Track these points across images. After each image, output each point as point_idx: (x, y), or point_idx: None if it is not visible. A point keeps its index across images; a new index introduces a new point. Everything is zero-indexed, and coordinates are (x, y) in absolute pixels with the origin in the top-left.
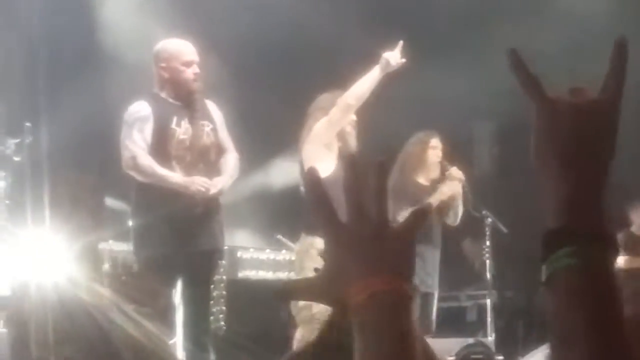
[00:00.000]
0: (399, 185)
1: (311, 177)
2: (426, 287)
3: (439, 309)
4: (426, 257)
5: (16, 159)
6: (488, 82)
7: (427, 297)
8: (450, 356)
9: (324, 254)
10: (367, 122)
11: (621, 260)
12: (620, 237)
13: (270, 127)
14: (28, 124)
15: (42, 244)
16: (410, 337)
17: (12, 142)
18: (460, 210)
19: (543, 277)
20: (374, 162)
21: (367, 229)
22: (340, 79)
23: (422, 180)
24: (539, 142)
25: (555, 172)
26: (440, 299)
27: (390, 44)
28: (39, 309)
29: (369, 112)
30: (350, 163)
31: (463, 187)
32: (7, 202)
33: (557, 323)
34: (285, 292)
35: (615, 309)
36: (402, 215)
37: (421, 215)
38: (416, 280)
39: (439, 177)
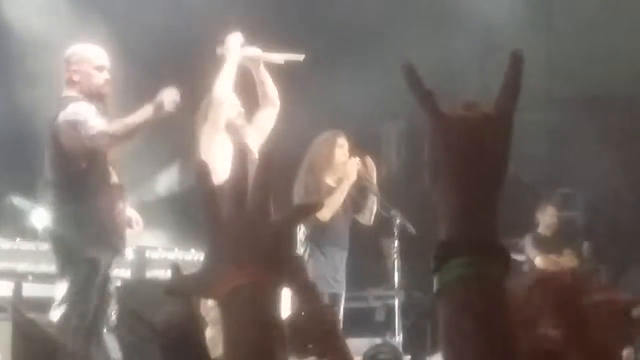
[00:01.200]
0: (309, 186)
1: (200, 171)
2: (333, 287)
3: (347, 309)
4: (333, 258)
5: None
6: (396, 82)
7: (334, 298)
8: (358, 356)
9: (205, 248)
10: (274, 123)
11: (538, 260)
12: (529, 238)
13: (179, 127)
14: None
15: None
16: (270, 330)
17: None
18: (375, 209)
19: (435, 288)
20: (259, 154)
21: (242, 222)
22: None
23: (330, 180)
24: (431, 156)
25: (447, 185)
26: (349, 299)
27: (298, 47)
28: None
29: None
30: (239, 155)
31: (372, 187)
32: None
33: (448, 332)
34: (174, 289)
35: (505, 318)
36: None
37: (303, 211)
38: (323, 281)
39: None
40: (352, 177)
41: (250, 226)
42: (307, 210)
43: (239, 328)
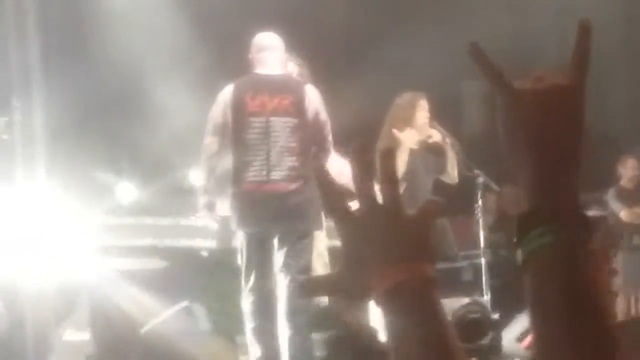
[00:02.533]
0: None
1: (318, 172)
2: None
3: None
4: None
5: (4, 137)
6: (477, 40)
7: None
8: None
9: (341, 249)
10: (354, 82)
11: (622, 214)
12: (612, 191)
13: None
14: (16, 101)
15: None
16: (440, 321)
17: (0, 120)
18: (456, 166)
19: (519, 260)
20: (381, 150)
21: (381, 219)
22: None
23: (410, 143)
24: (507, 131)
25: (525, 158)
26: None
27: (376, 8)
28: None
29: (355, 72)
30: (356, 153)
31: (454, 147)
32: None
33: (536, 302)
34: (308, 290)
35: (589, 282)
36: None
37: (435, 209)
38: None
39: (427, 138)
40: (407, 145)
41: (391, 222)
42: (436, 208)
43: (407, 326)
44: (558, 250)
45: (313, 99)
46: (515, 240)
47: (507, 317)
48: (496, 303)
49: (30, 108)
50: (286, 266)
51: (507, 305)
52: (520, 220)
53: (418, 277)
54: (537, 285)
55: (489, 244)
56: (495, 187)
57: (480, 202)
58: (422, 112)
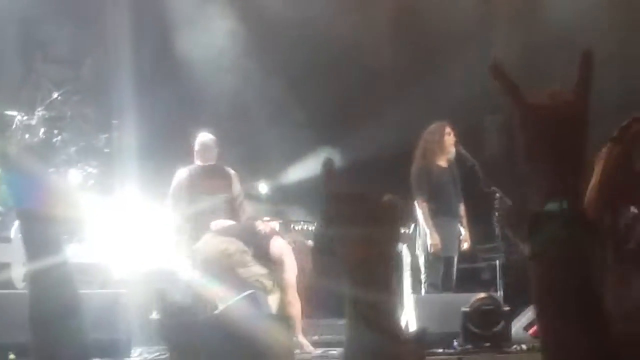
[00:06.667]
0: (424, 169)
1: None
2: (449, 252)
3: (459, 270)
4: (449, 228)
5: (106, 150)
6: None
7: (449, 260)
8: (465, 307)
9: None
10: (388, 119)
11: None
12: None
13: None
14: (115, 121)
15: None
16: (391, 293)
17: (102, 137)
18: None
19: (529, 252)
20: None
21: (353, 205)
22: None
23: (442, 162)
24: (526, 142)
25: (544, 166)
26: (460, 261)
27: (412, 51)
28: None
29: (390, 110)
30: (326, 165)
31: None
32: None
33: (539, 290)
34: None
35: (593, 282)
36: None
37: (393, 203)
38: (442, 247)
39: (454, 157)
40: (438, 164)
41: (358, 207)
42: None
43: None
44: (566, 242)
45: (236, 180)
46: (527, 235)
47: (516, 310)
48: (507, 298)
49: (127, 127)
50: None
51: (517, 299)
52: (533, 218)
53: (378, 254)
54: (542, 273)
55: (503, 248)
56: (508, 201)
57: (497, 213)
58: (449, 136)
